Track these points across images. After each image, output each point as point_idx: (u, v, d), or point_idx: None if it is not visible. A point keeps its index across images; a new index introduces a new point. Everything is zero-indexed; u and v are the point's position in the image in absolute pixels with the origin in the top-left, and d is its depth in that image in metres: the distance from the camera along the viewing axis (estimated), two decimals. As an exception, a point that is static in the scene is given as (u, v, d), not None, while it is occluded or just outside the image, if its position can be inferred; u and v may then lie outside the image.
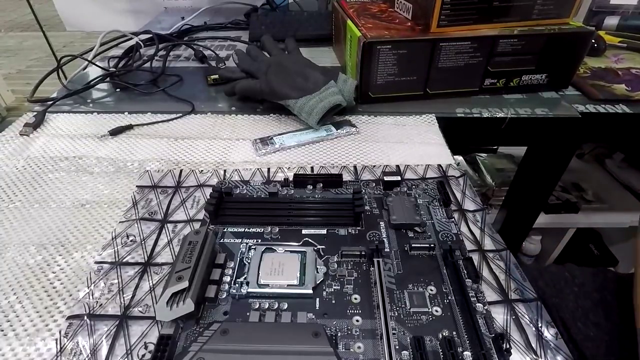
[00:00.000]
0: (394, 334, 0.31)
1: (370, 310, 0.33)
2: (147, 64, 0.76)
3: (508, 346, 0.30)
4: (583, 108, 0.64)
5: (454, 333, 0.32)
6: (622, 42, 0.84)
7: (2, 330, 0.33)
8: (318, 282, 0.35)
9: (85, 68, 0.77)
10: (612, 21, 0.90)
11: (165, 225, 0.43)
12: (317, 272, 0.36)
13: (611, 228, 1.23)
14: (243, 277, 0.36)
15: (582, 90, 0.69)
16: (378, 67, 0.61)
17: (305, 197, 0.45)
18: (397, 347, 0.30)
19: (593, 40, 0.77)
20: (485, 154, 1.30)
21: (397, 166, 0.50)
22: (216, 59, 0.81)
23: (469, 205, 0.45)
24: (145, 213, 0.44)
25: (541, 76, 0.66)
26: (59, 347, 0.31)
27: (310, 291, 0.34)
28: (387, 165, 0.51)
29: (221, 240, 0.40)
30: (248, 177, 0.49)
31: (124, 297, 0.35)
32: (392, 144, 0.56)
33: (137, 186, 0.48)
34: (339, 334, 0.32)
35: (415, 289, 0.35)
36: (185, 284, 0.32)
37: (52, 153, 0.55)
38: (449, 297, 0.34)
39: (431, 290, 0.35)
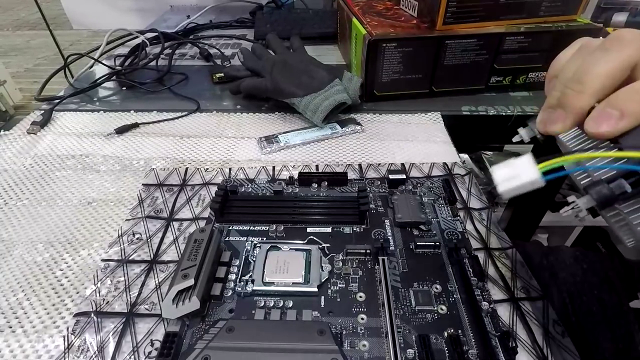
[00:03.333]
0: (399, 332, 0.31)
1: (375, 309, 0.33)
2: (153, 63, 0.76)
3: (514, 344, 0.30)
4: (590, 105, 0.64)
5: (460, 331, 0.31)
6: (631, 39, 0.83)
7: (11, 327, 0.33)
8: (323, 280, 0.35)
9: (91, 66, 0.78)
10: (620, 17, 0.89)
11: (171, 224, 0.43)
12: (322, 270, 0.36)
13: (618, 226, 1.22)
14: (248, 275, 0.36)
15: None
16: (383, 65, 0.61)
17: (310, 195, 0.45)
18: (402, 345, 0.30)
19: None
20: (491, 152, 1.29)
21: (402, 164, 0.50)
22: (221, 57, 0.82)
23: (474, 203, 0.45)
24: (151, 211, 0.44)
25: (548, 73, 0.66)
26: (66, 344, 0.31)
27: (315, 289, 0.35)
28: (392, 164, 0.51)
29: (226, 239, 0.40)
30: (253, 176, 0.49)
31: (130, 295, 0.35)
32: (397, 142, 0.56)
33: (143, 184, 0.48)
34: (344, 332, 0.32)
35: (421, 287, 0.35)
36: (190, 281, 0.32)
37: (58, 151, 0.55)
38: (455, 296, 0.34)
39: (436, 288, 0.35)
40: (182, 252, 0.38)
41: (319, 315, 0.33)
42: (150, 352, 0.31)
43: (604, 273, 0.48)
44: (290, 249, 0.38)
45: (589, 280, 0.47)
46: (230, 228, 0.41)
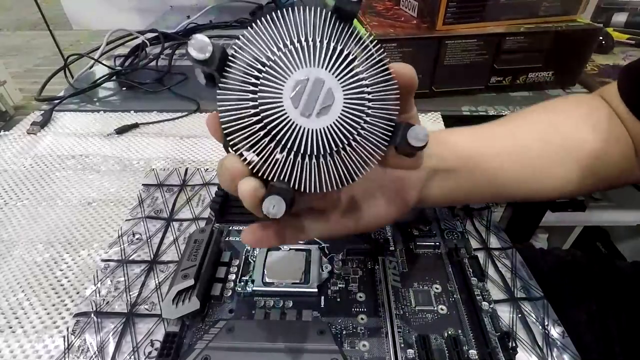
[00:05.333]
0: (399, 332, 0.31)
1: (375, 309, 0.33)
2: (153, 63, 0.76)
3: (514, 344, 0.30)
4: (590, 105, 0.64)
5: (460, 331, 0.31)
6: (631, 39, 0.83)
7: (11, 327, 0.33)
8: (323, 281, 0.35)
9: (91, 67, 0.78)
10: (620, 18, 0.89)
11: (171, 224, 0.43)
12: (322, 270, 0.36)
13: (619, 226, 1.22)
14: (248, 275, 0.36)
15: (589, 88, 0.68)
16: (383, 65, 0.61)
17: (311, 195, 0.45)
18: (403, 345, 0.30)
19: (601, 37, 0.77)
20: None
21: (403, 164, 0.50)
22: (221, 57, 0.81)
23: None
24: (151, 211, 0.44)
25: (548, 74, 0.66)
26: (66, 344, 0.31)
27: (315, 289, 0.34)
28: (392, 164, 0.50)
29: (226, 239, 0.40)
30: (253, 176, 0.49)
31: (130, 295, 0.35)
32: (397, 142, 0.56)
33: (143, 184, 0.48)
34: (344, 332, 0.32)
35: (421, 287, 0.35)
36: (190, 281, 0.32)
37: (59, 151, 0.55)
38: (455, 296, 0.34)
39: (436, 288, 0.35)
40: (182, 252, 0.38)
41: (319, 315, 0.33)
42: (150, 352, 0.31)
43: (589, 280, 0.47)
44: (290, 249, 0.38)
45: (575, 289, 0.46)
46: (230, 228, 0.41)
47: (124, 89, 0.72)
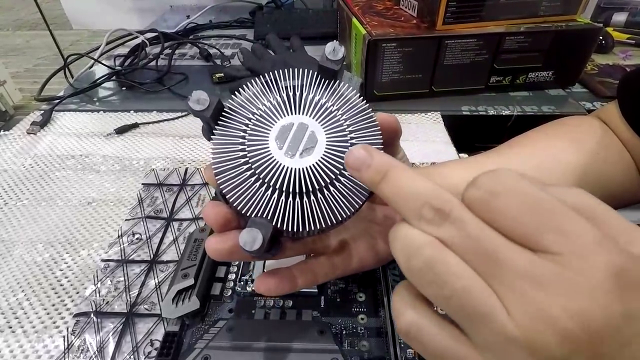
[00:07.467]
0: (399, 332, 0.31)
1: (375, 309, 0.33)
2: (153, 63, 0.76)
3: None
4: (590, 105, 0.64)
5: (460, 331, 0.31)
6: (631, 39, 0.83)
7: (11, 327, 0.33)
8: (323, 280, 0.35)
9: (91, 67, 0.78)
10: (620, 17, 0.89)
11: (171, 223, 0.43)
12: (322, 270, 0.36)
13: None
14: (248, 275, 0.36)
15: (589, 88, 0.68)
16: (383, 65, 0.61)
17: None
18: (403, 345, 0.30)
19: (601, 37, 0.77)
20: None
21: (403, 164, 0.50)
22: (221, 57, 0.82)
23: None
24: (150, 211, 0.44)
25: (548, 73, 0.66)
26: (66, 344, 0.31)
27: (315, 289, 0.34)
28: (392, 163, 0.50)
29: (226, 238, 0.40)
30: (253, 175, 0.49)
31: (130, 295, 0.35)
32: (397, 142, 0.56)
33: (142, 184, 0.48)
34: (344, 332, 0.32)
35: (421, 287, 0.35)
36: (190, 281, 0.32)
37: (58, 151, 0.55)
38: (455, 296, 0.34)
39: (436, 288, 0.35)
40: (182, 252, 0.38)
41: (319, 315, 0.33)
42: (150, 352, 0.31)
43: None
44: (290, 249, 0.38)
45: None
46: (230, 228, 0.41)
47: (124, 89, 0.72)
